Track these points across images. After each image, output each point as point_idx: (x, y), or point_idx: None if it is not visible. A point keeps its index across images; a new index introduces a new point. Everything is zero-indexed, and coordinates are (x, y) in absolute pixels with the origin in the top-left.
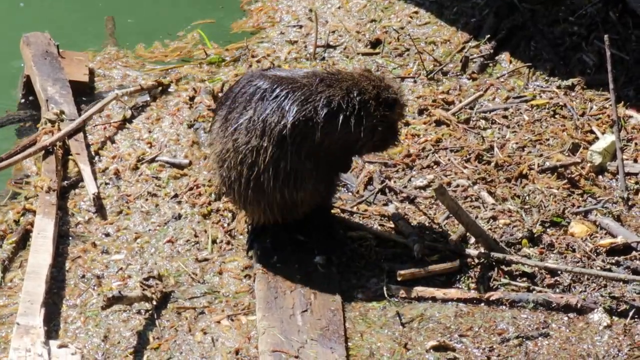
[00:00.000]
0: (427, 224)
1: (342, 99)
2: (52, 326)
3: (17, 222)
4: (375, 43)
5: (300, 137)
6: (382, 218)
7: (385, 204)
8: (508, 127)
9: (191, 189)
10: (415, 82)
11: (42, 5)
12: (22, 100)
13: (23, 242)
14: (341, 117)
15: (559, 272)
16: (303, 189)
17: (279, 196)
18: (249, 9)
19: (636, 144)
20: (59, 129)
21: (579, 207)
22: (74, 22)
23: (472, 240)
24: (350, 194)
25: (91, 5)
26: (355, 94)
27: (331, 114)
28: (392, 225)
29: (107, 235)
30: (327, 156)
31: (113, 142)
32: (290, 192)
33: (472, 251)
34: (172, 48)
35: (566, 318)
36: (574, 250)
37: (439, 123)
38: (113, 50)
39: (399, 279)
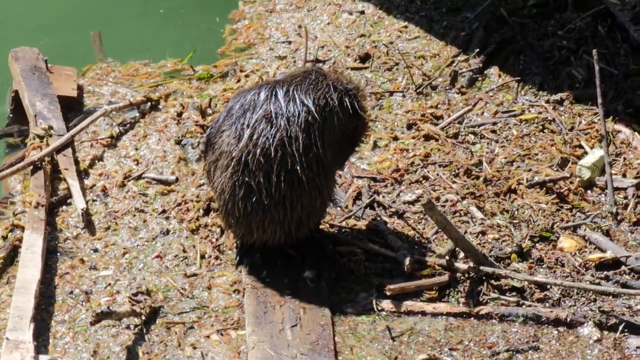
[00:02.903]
0: (416, 239)
1: (340, 85)
2: (40, 341)
3: (5, 238)
4: (365, 57)
5: (322, 123)
6: (371, 233)
7: (374, 219)
8: (497, 141)
9: (179, 204)
10: (404, 96)
11: (31, 20)
12: (10, 115)
13: (11, 258)
14: (347, 100)
15: (549, 286)
16: (331, 179)
17: (309, 187)
18: (237, 28)
19: (625, 158)
20: (48, 144)
21: (568, 221)
22: (62, 38)
23: (462, 254)
24: (338, 208)
25: (79, 20)
26: (345, 82)
27: (340, 97)
28: (381, 240)
29: (96, 251)
30: (338, 146)
31: (100, 159)
32: (320, 181)
33: (461, 265)
34: (161, 65)
35: (556, 332)
36: (563, 265)
37: (427, 138)
38: (102, 66)
39: (388, 293)
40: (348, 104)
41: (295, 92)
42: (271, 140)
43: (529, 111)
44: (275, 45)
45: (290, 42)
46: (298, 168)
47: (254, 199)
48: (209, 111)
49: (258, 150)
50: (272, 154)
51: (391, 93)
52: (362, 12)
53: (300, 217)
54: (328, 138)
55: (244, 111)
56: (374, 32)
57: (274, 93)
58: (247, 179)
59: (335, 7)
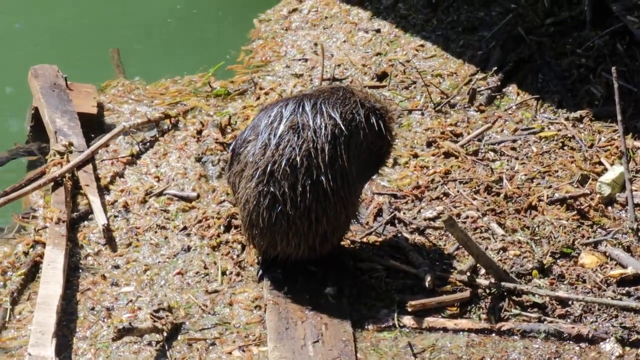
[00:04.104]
0: (437, 255)
1: (368, 103)
2: (62, 358)
3: (26, 254)
4: (382, 76)
5: (348, 137)
6: (392, 249)
7: (395, 235)
8: (517, 158)
9: (200, 221)
10: (422, 114)
11: (50, 38)
12: (30, 133)
13: (32, 274)
14: (373, 119)
15: (570, 302)
16: (355, 195)
17: (334, 199)
18: (252, 47)
19: None
20: (68, 161)
21: (588, 238)
22: (81, 55)
23: (483, 271)
24: (359, 225)
25: (98, 37)
26: (373, 101)
27: (367, 115)
28: (402, 257)
29: (117, 267)
30: (362, 163)
31: (121, 176)
32: (345, 194)
33: (482, 281)
34: (181, 82)
35: (578, 348)
36: (584, 281)
37: (447, 155)
38: (126, 83)
39: (409, 309)
40: (374, 122)
41: (322, 105)
42: (297, 151)
43: (549, 128)
44: (291, 62)
45: (306, 60)
46: (323, 179)
47: (278, 209)
48: (229, 129)
49: (284, 160)
50: (298, 164)
51: (410, 111)
52: (378, 31)
53: (325, 232)
54: (354, 153)
55: (270, 122)
56: (391, 51)
57: (301, 105)
58: (272, 189)
59: (351, 25)
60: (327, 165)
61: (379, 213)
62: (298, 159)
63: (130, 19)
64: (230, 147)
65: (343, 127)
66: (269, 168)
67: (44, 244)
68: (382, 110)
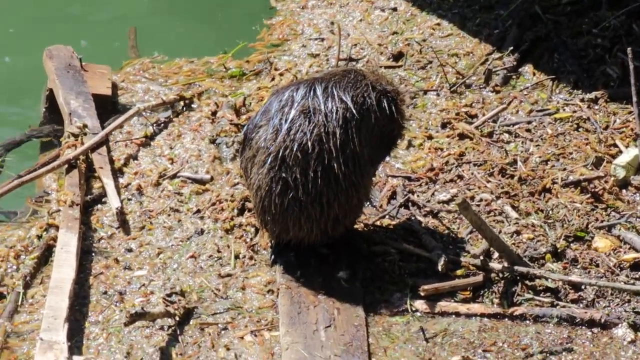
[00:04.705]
0: (450, 239)
1: (379, 86)
2: (74, 342)
3: (39, 237)
4: (398, 56)
5: (360, 120)
6: (406, 232)
7: (409, 218)
8: (531, 140)
9: (214, 204)
10: (438, 95)
11: (65, 18)
12: (45, 115)
13: (45, 258)
14: (385, 102)
15: (583, 286)
16: (367, 178)
17: (345, 184)
18: (271, 23)
19: None
20: (82, 143)
21: (602, 221)
22: (97, 35)
23: (496, 254)
24: (373, 208)
25: (114, 18)
26: (385, 83)
27: (378, 98)
28: (416, 240)
29: (130, 250)
30: (374, 146)
31: (135, 158)
32: (357, 179)
33: (495, 265)
34: (205, 61)
35: (590, 333)
36: (597, 265)
37: (462, 137)
38: (145, 62)
39: (422, 293)
40: (386, 105)
41: (334, 89)
42: (309, 136)
43: (564, 110)
44: (307, 42)
45: (322, 39)
46: (335, 164)
47: (290, 195)
48: (244, 110)
49: (295, 146)
50: (310, 149)
51: (425, 92)
52: (395, 9)
53: (337, 216)
54: (365, 136)
55: (281, 107)
56: (407, 30)
57: (312, 89)
58: (284, 174)
59: (367, 3)
60: (338, 150)
61: (392, 196)
62: (309, 144)
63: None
64: (242, 132)
65: (354, 111)
66: (280, 154)
67: (57, 227)
68: (393, 92)
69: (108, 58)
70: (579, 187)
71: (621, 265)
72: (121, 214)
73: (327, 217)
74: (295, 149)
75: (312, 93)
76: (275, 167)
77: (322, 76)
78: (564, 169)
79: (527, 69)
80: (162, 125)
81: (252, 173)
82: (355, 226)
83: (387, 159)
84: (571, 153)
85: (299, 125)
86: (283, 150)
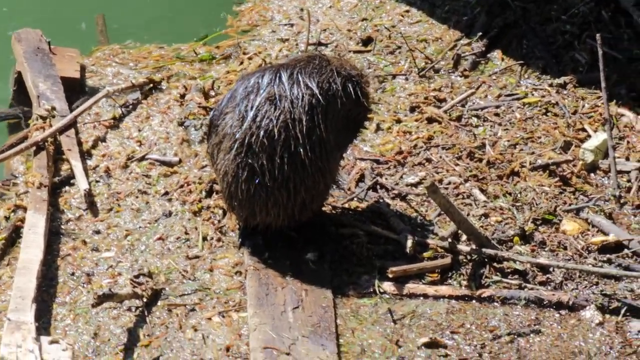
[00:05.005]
0: (418, 221)
1: (344, 71)
2: (41, 323)
3: (7, 218)
4: (367, 41)
5: (325, 106)
6: (374, 215)
7: (377, 201)
8: (500, 124)
9: (182, 186)
10: (407, 79)
11: (34, 2)
12: (13, 97)
13: (12, 239)
14: (350, 86)
15: (551, 269)
16: (333, 163)
17: (312, 169)
18: (240, 10)
19: (628, 142)
20: (51, 125)
21: (570, 204)
22: (65, 19)
23: (464, 237)
24: (341, 190)
25: (83, 2)
26: (349, 68)
27: (343, 83)
28: (384, 222)
29: (98, 232)
30: (340, 130)
31: (103, 140)
32: (323, 164)
33: (463, 247)
34: (175, 48)
35: (558, 315)
36: (565, 248)
37: (430, 120)
38: (107, 50)
39: (390, 275)
40: (351, 89)
41: (299, 75)
42: (275, 122)
43: (533, 94)
44: (277, 27)
45: (292, 25)
46: (301, 150)
47: (257, 181)
48: (212, 93)
49: (261, 132)
50: (276, 135)
51: (394, 76)
52: None
53: (303, 200)
54: (331, 122)
55: (247, 93)
56: (376, 16)
57: (278, 76)
58: (250, 160)
59: None
60: (304, 136)
61: (361, 179)
62: (276, 130)
63: None
64: (208, 118)
65: (320, 97)
66: (246, 140)
67: (25, 209)
68: (358, 76)
69: (77, 44)
70: (548, 171)
71: (589, 248)
72: (89, 196)
73: (294, 202)
74: (261, 136)
75: (277, 79)
76: (242, 154)
77: (287, 62)
78: (533, 153)
79: (496, 54)
80: (131, 107)
81: (219, 159)
82: (324, 209)
83: (356, 142)
84: (540, 137)
85: (265, 112)
86: (249, 137)
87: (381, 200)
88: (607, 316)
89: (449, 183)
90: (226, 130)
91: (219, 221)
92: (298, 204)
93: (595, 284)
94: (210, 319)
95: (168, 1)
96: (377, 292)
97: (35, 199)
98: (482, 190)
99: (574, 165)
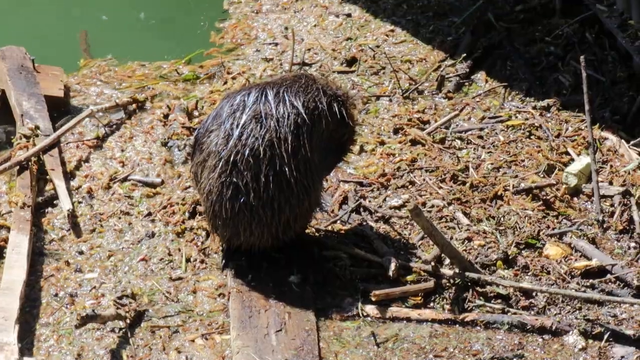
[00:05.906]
0: (402, 244)
1: (330, 91)
2: (25, 344)
3: None
4: (351, 61)
5: (311, 125)
6: (357, 237)
7: (360, 224)
8: (483, 147)
9: (165, 207)
10: (390, 100)
11: (17, 20)
12: None
13: None
14: (335, 106)
15: (534, 293)
16: (318, 183)
17: (297, 188)
18: (222, 27)
19: (611, 166)
20: (34, 144)
21: (554, 229)
22: (49, 37)
23: (448, 260)
24: (324, 213)
25: (67, 20)
26: (335, 88)
27: (329, 103)
28: (367, 245)
29: (81, 253)
30: (325, 150)
31: (86, 160)
32: (308, 183)
33: (447, 271)
34: (157, 66)
35: (541, 340)
36: (548, 273)
37: (414, 142)
38: (94, 66)
39: (373, 299)
40: (337, 109)
41: (285, 94)
42: (260, 141)
43: (516, 117)
44: (261, 46)
45: (276, 44)
46: (286, 169)
47: (241, 200)
48: (196, 113)
49: (247, 151)
50: (261, 154)
51: (378, 97)
52: (349, 15)
53: (288, 220)
54: (316, 141)
55: (233, 111)
56: (361, 36)
57: (264, 94)
58: (235, 179)
59: (321, 9)
60: (290, 155)
61: (344, 201)
62: (261, 149)
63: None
64: (193, 136)
65: (305, 116)
66: (232, 158)
67: (8, 229)
68: (343, 97)
69: (60, 60)
70: (531, 195)
71: (572, 273)
72: (72, 217)
73: (278, 221)
74: (246, 154)
75: (263, 98)
76: (227, 172)
77: (273, 81)
78: (516, 176)
79: (480, 76)
80: (114, 127)
81: (203, 177)
82: (307, 231)
83: (339, 164)
84: (523, 160)
85: (250, 130)
86: (234, 155)
87: (364, 223)
88: (590, 341)
89: (432, 206)
90: (211, 148)
91: (202, 242)
92: (282, 223)
93: (579, 309)
94: (193, 341)
95: (150, 17)
96: (361, 315)
97: (19, 218)
98: (466, 214)
99: (557, 189)
